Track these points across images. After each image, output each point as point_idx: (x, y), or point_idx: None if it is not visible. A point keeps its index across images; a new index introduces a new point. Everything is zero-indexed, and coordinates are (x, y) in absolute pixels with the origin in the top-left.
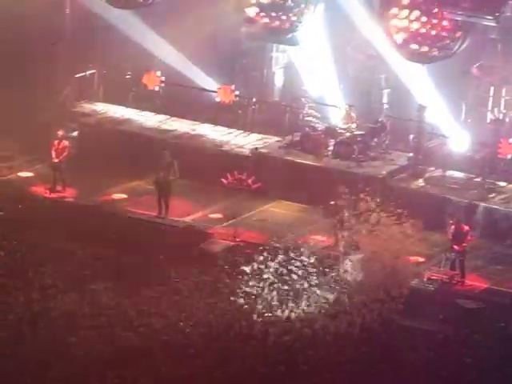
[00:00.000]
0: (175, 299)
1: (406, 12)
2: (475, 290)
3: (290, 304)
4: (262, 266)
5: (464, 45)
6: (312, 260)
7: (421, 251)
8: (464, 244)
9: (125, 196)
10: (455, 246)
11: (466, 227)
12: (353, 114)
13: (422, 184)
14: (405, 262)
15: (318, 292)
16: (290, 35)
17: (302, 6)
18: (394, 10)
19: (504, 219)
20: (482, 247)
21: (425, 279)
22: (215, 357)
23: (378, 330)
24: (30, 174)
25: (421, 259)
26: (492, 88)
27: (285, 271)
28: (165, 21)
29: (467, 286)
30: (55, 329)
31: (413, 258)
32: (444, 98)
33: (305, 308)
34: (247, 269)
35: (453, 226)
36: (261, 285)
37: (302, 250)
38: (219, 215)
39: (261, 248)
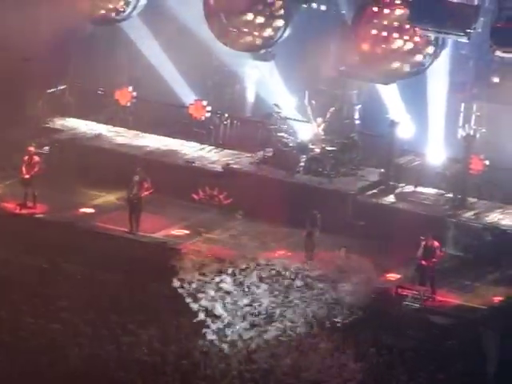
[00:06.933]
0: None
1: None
2: (446, 305)
3: None
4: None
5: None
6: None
7: None
8: (434, 259)
9: (95, 212)
10: (423, 262)
11: (437, 243)
12: (324, 130)
13: (393, 200)
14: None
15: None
16: (262, 51)
17: (275, 22)
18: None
19: (473, 234)
20: (453, 262)
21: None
22: None
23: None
24: None
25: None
26: (463, 104)
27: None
28: (137, 36)
29: (438, 301)
30: (24, 345)
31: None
32: (415, 114)
33: None
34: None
35: (423, 242)
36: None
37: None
38: (190, 231)
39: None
